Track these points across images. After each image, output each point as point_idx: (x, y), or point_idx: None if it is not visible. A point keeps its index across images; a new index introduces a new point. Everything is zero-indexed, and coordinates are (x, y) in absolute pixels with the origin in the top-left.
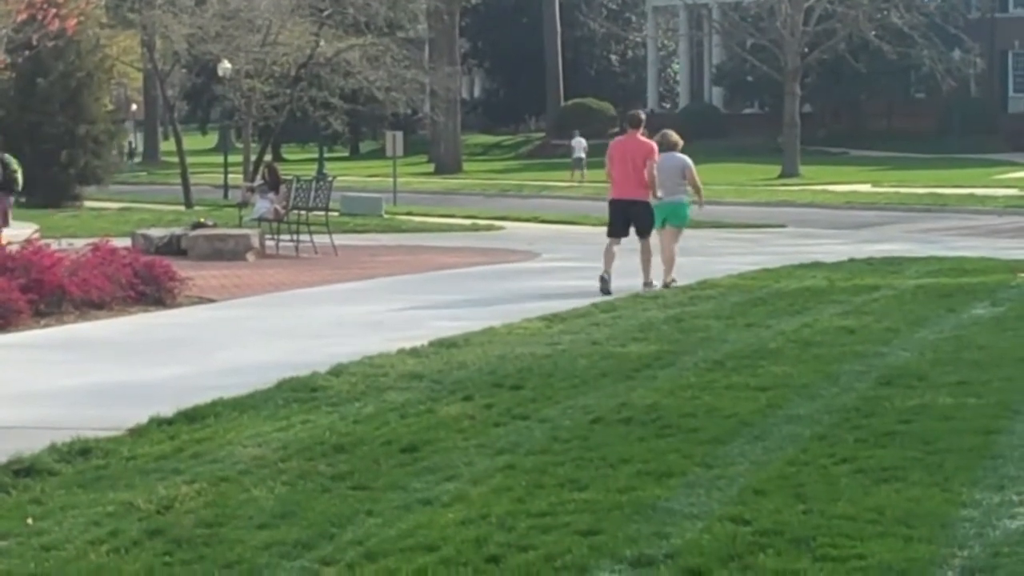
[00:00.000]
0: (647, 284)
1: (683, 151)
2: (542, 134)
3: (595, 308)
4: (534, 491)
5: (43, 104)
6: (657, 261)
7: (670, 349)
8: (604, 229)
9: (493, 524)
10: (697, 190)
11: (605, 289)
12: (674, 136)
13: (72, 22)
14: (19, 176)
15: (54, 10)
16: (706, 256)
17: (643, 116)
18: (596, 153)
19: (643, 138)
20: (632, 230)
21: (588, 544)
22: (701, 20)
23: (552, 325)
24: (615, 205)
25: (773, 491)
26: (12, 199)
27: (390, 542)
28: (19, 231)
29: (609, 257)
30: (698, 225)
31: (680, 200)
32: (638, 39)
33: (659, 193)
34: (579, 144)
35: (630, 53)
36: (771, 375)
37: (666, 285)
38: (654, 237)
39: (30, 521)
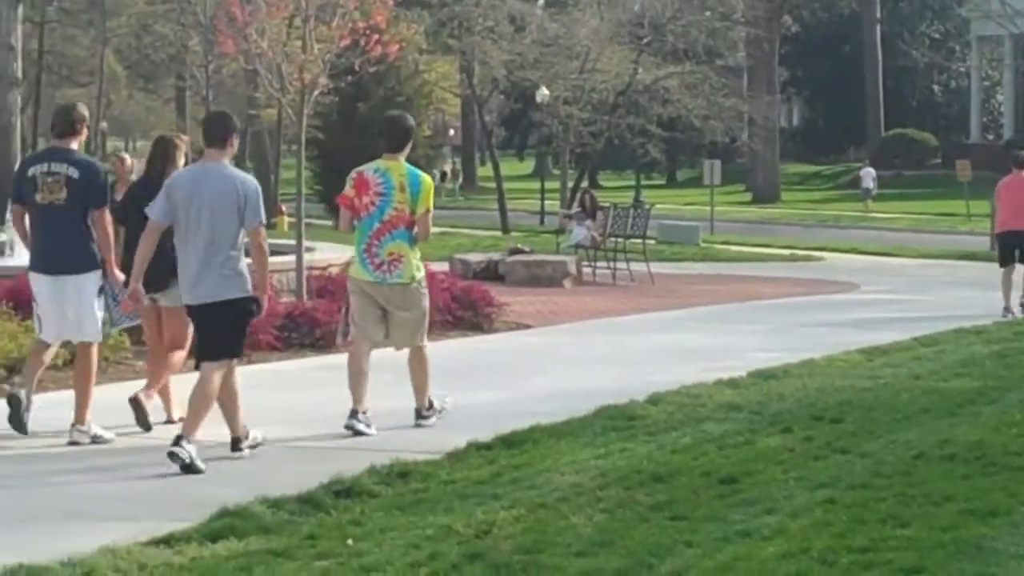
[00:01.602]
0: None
1: None
2: (862, 164)
3: (916, 342)
4: (855, 526)
5: (363, 129)
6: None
7: (995, 385)
8: (923, 261)
9: (814, 559)
10: None
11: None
12: None
13: (394, 48)
14: None
15: (377, 36)
16: None
17: None
18: (917, 184)
19: None
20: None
21: None
22: None
23: (873, 358)
24: (1004, 237)
25: None
26: None
27: (709, 574)
28: (341, 254)
29: (1006, 286)
30: None
31: None
32: (961, 69)
33: None
34: (868, 174)
35: (953, 83)
36: None
37: None
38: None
39: (350, 542)
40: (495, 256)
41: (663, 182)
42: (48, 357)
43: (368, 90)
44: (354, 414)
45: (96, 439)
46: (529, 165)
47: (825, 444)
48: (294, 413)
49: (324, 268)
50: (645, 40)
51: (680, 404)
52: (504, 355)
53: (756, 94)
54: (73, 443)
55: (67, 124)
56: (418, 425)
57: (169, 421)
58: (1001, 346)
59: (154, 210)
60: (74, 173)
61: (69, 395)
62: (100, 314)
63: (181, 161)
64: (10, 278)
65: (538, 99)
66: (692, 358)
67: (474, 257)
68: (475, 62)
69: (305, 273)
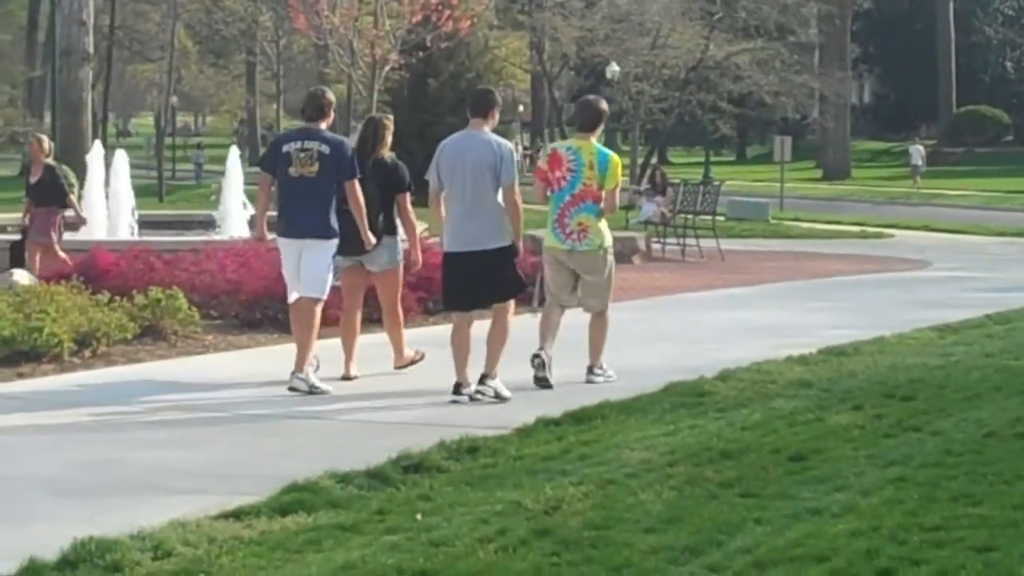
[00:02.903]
0: None
1: None
2: (933, 141)
3: (989, 320)
4: (926, 504)
5: (433, 104)
6: None
7: None
8: (994, 238)
9: (884, 537)
10: None
11: None
12: None
13: (466, 23)
14: (75, 190)
15: (448, 12)
16: None
17: None
18: (988, 161)
19: None
20: None
21: (983, 560)
22: None
23: (944, 336)
24: None
25: None
26: (64, 212)
27: (778, 551)
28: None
29: None
30: None
31: None
32: None
33: None
34: (916, 151)
35: None
36: None
37: None
38: None
39: (419, 517)
40: None
41: (733, 158)
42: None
43: (438, 66)
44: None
45: (314, 389)
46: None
47: (896, 422)
48: (363, 388)
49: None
50: (716, 16)
51: (750, 381)
52: (572, 331)
53: (827, 70)
54: (292, 389)
55: (317, 108)
56: (588, 380)
57: (345, 377)
58: None
59: (431, 179)
60: (326, 149)
61: (142, 368)
62: (329, 276)
63: (390, 139)
64: (82, 252)
65: (608, 75)
66: (762, 335)
67: (542, 233)
68: (545, 38)
69: None
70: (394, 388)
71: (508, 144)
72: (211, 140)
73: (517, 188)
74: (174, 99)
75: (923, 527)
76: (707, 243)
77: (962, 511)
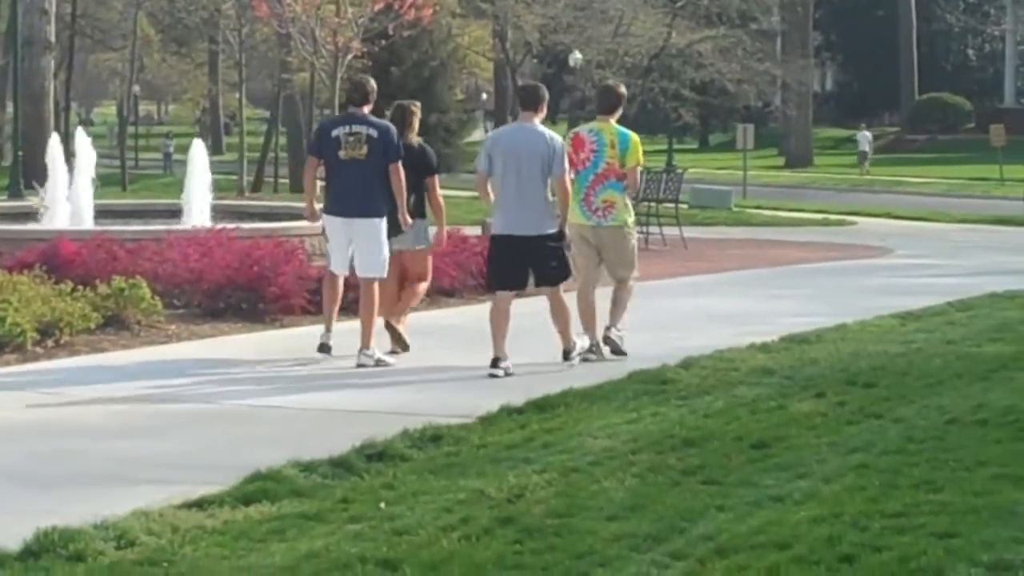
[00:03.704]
0: None
1: None
2: (896, 129)
3: (950, 307)
4: (888, 491)
5: (396, 93)
6: None
7: None
8: (956, 226)
9: (846, 523)
10: None
11: None
12: None
13: (428, 11)
14: None
15: (411, 0)
16: None
17: None
18: (950, 149)
19: None
20: None
21: (944, 547)
22: None
23: (906, 323)
24: None
25: None
26: None
27: (741, 538)
28: None
29: None
30: None
31: None
32: (996, 33)
33: None
34: (864, 138)
35: (987, 47)
36: None
37: None
38: None
39: (383, 505)
40: None
41: (696, 146)
42: (340, 288)
43: (401, 54)
44: (596, 345)
45: (379, 363)
46: (562, 129)
47: (858, 409)
48: (326, 376)
49: None
50: (679, 4)
51: (712, 368)
52: (536, 319)
53: (790, 58)
54: (360, 365)
55: (362, 95)
56: (606, 341)
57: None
58: None
59: (479, 163)
60: (374, 133)
61: (105, 357)
62: (384, 255)
63: (417, 124)
64: (44, 241)
65: (571, 63)
66: (724, 322)
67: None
68: (508, 26)
69: None
70: (356, 376)
71: (558, 138)
72: (174, 129)
73: (567, 178)
74: (136, 88)
75: (884, 514)
76: (670, 231)
77: (923, 498)
